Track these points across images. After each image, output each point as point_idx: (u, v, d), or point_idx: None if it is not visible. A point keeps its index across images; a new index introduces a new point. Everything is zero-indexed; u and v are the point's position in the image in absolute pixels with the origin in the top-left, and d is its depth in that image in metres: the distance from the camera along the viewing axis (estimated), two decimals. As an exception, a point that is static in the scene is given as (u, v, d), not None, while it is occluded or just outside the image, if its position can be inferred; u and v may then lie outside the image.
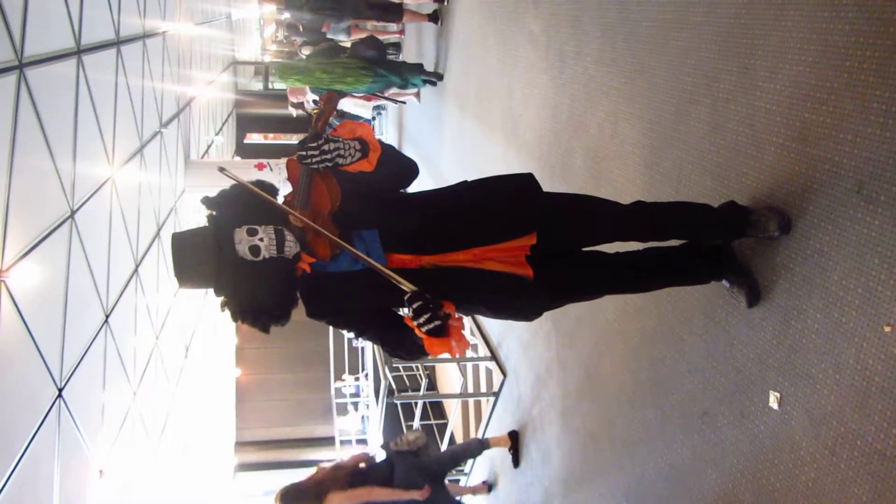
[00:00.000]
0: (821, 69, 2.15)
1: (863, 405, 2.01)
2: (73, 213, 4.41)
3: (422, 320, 1.76)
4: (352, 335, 2.28)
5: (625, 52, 3.39)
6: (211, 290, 1.89)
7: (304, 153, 1.89)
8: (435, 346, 1.81)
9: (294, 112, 8.69)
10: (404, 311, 1.86)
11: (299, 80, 6.71)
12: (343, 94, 6.99)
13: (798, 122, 2.24)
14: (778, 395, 2.33)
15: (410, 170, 2.13)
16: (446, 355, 1.84)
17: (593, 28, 3.74)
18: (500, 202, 2.14)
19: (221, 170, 1.96)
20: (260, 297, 1.86)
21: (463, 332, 1.85)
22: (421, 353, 1.97)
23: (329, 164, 1.90)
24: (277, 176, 7.82)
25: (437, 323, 1.76)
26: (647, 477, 3.23)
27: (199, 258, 1.83)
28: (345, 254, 1.94)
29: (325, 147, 1.89)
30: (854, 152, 2.03)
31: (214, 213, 1.92)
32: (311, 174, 1.94)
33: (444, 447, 6.71)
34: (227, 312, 1.89)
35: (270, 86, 16.90)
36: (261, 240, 1.84)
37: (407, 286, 1.79)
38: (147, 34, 6.54)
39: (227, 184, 1.96)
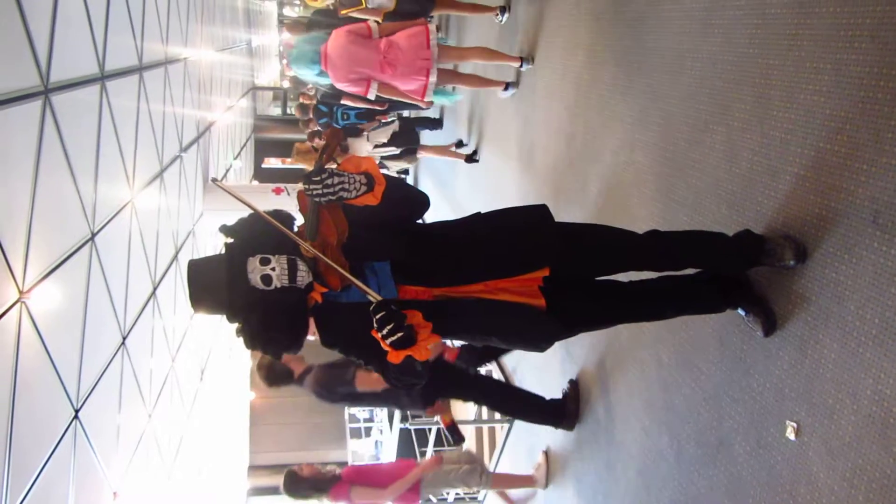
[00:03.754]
0: (835, 99, 2.16)
1: (881, 436, 1.99)
2: (93, 235, 4.47)
3: (385, 332, 1.78)
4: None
5: (639, 81, 3.42)
6: (225, 317, 1.92)
7: (307, 187, 1.91)
8: (398, 356, 1.83)
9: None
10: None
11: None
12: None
13: (813, 152, 2.25)
14: (795, 425, 2.31)
15: (420, 202, 2.15)
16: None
17: (609, 56, 3.77)
18: (513, 237, 2.15)
19: (214, 181, 2.01)
20: (270, 327, 1.87)
21: (429, 339, 1.86)
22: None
23: (333, 199, 1.92)
24: (295, 201, 7.89)
25: (400, 335, 1.78)
26: (663, 507, 3.20)
27: (213, 286, 1.86)
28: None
29: (329, 181, 1.90)
30: (869, 182, 2.03)
31: (232, 240, 1.95)
32: (318, 206, 1.96)
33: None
34: (241, 339, 1.91)
35: (288, 111, 17.08)
36: (273, 269, 1.86)
37: (373, 296, 1.81)
38: (169, 60, 6.66)
39: (245, 212, 1.99)
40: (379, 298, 1.81)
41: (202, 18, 8.47)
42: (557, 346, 4.38)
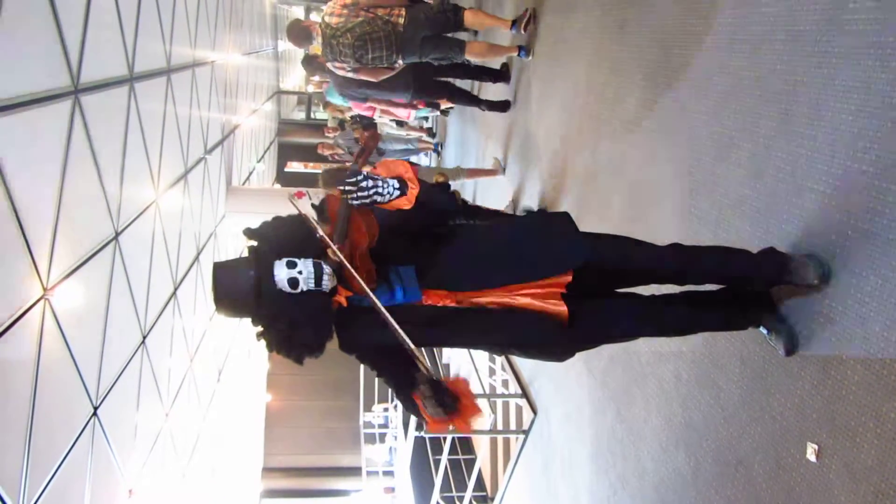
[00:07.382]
0: (863, 117, 2.14)
1: (904, 462, 1.96)
2: (117, 234, 4.52)
3: (428, 406, 1.80)
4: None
5: (665, 95, 3.40)
6: (248, 319, 1.92)
7: (343, 189, 1.92)
8: (436, 425, 1.85)
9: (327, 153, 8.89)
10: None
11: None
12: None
13: (840, 170, 2.22)
14: (816, 446, 2.28)
15: (447, 208, 2.16)
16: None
17: (634, 70, 3.76)
18: (536, 241, 2.15)
19: (291, 198, 2.05)
20: (296, 330, 1.88)
21: (474, 411, 1.86)
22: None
23: (367, 202, 1.94)
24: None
25: (440, 410, 1.79)
26: (678, 525, 3.16)
27: (238, 288, 1.87)
28: (380, 288, 1.96)
29: (364, 184, 1.92)
30: (897, 202, 2.01)
31: (256, 243, 1.96)
32: (349, 209, 1.97)
33: (471, 484, 6.63)
34: (263, 342, 1.92)
35: (312, 115, 17.20)
36: (300, 272, 1.87)
37: (422, 366, 1.82)
38: (196, 63, 6.73)
39: (268, 215, 2.00)
40: (428, 373, 1.82)
41: (230, 23, 8.56)
42: (577, 359, 4.36)
